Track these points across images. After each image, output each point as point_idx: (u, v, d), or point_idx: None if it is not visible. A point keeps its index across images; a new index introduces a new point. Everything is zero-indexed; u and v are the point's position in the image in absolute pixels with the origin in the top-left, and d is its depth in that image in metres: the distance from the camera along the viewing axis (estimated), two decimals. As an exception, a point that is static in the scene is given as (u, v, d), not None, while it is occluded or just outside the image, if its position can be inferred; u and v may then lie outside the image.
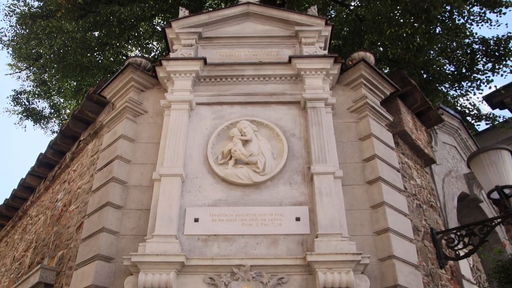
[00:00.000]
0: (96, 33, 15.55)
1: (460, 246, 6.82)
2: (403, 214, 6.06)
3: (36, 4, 18.64)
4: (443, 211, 8.29)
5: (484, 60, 15.44)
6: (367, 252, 5.41)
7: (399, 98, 8.00)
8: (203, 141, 6.45)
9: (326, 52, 7.43)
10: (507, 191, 6.37)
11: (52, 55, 17.73)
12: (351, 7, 17.10)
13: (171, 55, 7.46)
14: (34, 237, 9.48)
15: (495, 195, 6.45)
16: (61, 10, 15.39)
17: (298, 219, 5.67)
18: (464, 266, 7.79)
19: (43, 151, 9.97)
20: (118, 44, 17.01)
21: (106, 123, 7.28)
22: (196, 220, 5.70)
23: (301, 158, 6.26)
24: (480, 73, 15.67)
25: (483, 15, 15.51)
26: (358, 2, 15.33)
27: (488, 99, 17.36)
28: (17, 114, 23.02)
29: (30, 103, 22.84)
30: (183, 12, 7.88)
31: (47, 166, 10.12)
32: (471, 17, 15.37)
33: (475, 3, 14.04)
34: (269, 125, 6.57)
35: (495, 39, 14.95)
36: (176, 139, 6.24)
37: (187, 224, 5.67)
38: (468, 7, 14.84)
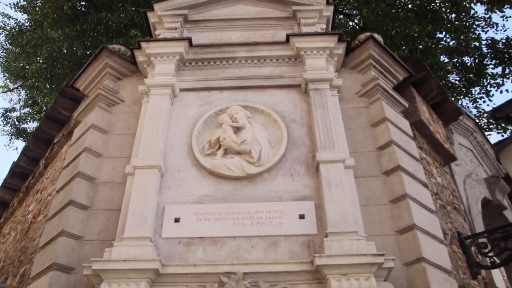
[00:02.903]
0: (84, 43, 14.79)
1: (490, 254, 5.74)
2: (429, 210, 5.01)
3: (25, 16, 18.06)
4: (468, 215, 7.22)
5: (493, 63, 14.64)
6: (389, 255, 4.32)
7: (412, 85, 7.04)
8: (187, 130, 5.47)
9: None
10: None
11: (39, 70, 16.94)
12: (354, 18, 16.29)
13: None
14: (3, 256, 8.36)
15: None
16: (47, 20, 14.74)
17: (302, 216, 4.62)
18: (498, 277, 6.66)
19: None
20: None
21: (77, 116, 6.31)
22: (177, 220, 4.65)
23: (303, 146, 5.25)
24: (489, 77, 14.84)
25: (488, 20, 14.81)
26: (359, 6, 14.53)
27: (492, 113, 16.45)
28: (6, 134, 22.11)
29: (21, 123, 22.00)
30: (167, -5, 7.03)
31: (21, 176, 9.07)
32: (476, 22, 14.62)
33: (482, 1, 13.25)
34: (265, 111, 5.60)
35: (504, 40, 14.19)
36: (154, 127, 5.26)
37: (165, 225, 4.62)
38: (473, 10, 14.10)
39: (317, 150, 4.96)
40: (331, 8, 6.74)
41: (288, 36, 6.05)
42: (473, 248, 6.05)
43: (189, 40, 6.05)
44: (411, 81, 6.95)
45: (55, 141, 7.78)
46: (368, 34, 6.32)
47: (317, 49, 5.95)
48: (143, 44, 6.03)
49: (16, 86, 22.18)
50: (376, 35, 6.31)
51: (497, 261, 5.66)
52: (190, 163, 5.14)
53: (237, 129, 5.33)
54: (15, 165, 8.81)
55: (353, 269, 3.94)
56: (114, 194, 5.03)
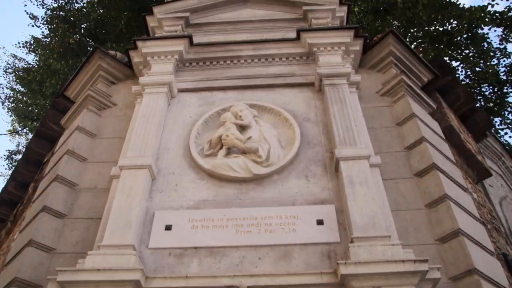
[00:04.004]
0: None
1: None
2: (474, 218, 4.14)
3: (32, 56, 18.17)
4: (509, 237, 6.26)
5: (513, 91, 13.93)
6: (432, 267, 3.42)
7: (437, 93, 6.34)
8: (184, 131, 4.77)
9: (343, 32, 5.94)
10: None
11: (44, 108, 16.70)
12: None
13: (152, 43, 6.02)
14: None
15: None
16: (53, 55, 14.63)
17: (320, 222, 3.79)
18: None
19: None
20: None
21: (64, 123, 5.68)
22: (168, 227, 3.84)
23: (319, 146, 4.50)
24: (510, 106, 14.11)
25: (504, 50, 14.30)
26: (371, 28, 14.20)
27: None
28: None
29: (25, 165, 21.53)
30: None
31: (10, 204, 8.28)
32: (491, 53, 14.10)
33: (499, 24, 12.77)
34: (274, 109, 4.91)
35: (523, 66, 13.55)
36: (147, 126, 4.58)
37: (154, 233, 3.81)
38: (488, 39, 13.62)
39: (336, 146, 4.20)
40: (345, 8, 6.20)
41: (299, 31, 5.47)
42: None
43: (190, 38, 5.50)
44: (436, 88, 6.25)
45: (45, 160, 7.11)
46: (387, 30, 5.72)
47: (331, 44, 5.34)
48: (139, 43, 5.48)
49: (22, 128, 22.01)
50: (395, 31, 5.70)
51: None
52: (186, 165, 4.40)
53: (242, 129, 4.62)
54: (3, 191, 8.08)
55: (389, 280, 3.07)
56: (97, 202, 4.27)
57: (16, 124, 21.81)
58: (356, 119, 4.52)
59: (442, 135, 5.13)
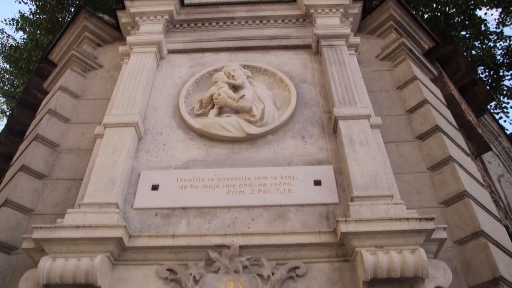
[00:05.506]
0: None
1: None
2: (479, 183, 3.94)
3: (19, 35, 17.69)
4: (509, 212, 6.10)
5: (509, 74, 13.78)
6: (435, 229, 3.21)
7: (438, 62, 6.11)
8: (174, 91, 4.50)
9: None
10: None
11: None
12: None
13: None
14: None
15: None
16: (42, 31, 14.21)
17: (317, 182, 3.56)
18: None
19: None
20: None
21: (47, 86, 5.38)
22: (155, 187, 3.59)
23: (316, 107, 4.26)
24: (505, 91, 13.95)
25: (500, 34, 14.11)
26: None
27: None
28: None
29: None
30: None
31: (-9, 179, 8.01)
32: (488, 36, 13.90)
33: (497, 5, 12.54)
34: (268, 70, 4.65)
35: (520, 47, 13.36)
36: (134, 84, 4.29)
37: (139, 193, 3.55)
38: (485, 21, 13.41)
39: (335, 106, 3.96)
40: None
41: (295, -9, 5.19)
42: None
43: (181, -3, 5.20)
44: (436, 57, 6.02)
45: (29, 130, 6.79)
46: (387, -4, 5.45)
47: (329, 6, 5.07)
48: (127, 3, 5.16)
49: (9, 109, 21.48)
50: (397, -3, 5.44)
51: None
52: (175, 125, 4.13)
53: (234, 89, 4.36)
54: (-16, 164, 7.75)
55: (392, 239, 2.85)
56: (80, 162, 4.00)
57: (4, 106, 21.29)
58: (355, 79, 4.27)
59: (444, 101, 4.91)
